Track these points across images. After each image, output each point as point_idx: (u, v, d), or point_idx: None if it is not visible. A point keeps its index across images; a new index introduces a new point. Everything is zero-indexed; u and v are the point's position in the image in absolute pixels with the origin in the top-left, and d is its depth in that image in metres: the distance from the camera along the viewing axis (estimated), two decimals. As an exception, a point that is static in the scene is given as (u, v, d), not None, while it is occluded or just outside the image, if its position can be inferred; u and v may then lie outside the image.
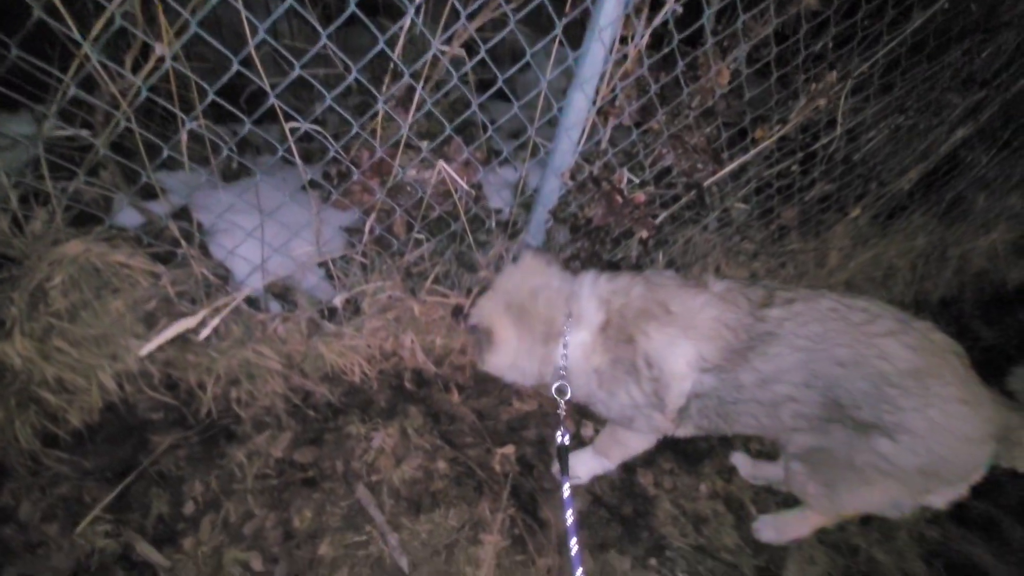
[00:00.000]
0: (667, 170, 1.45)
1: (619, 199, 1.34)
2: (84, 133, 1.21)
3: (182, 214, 1.62)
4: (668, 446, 1.68)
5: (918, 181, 2.25)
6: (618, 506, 1.62)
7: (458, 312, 1.46)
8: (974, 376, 1.19)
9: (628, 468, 1.69)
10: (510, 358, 1.33)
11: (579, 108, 1.28)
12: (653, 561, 1.52)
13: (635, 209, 1.38)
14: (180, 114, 1.11)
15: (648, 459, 1.71)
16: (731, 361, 1.18)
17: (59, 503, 1.25)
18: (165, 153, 1.14)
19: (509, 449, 1.65)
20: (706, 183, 1.46)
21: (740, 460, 1.76)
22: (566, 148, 1.32)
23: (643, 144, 1.41)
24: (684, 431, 1.35)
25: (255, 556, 1.29)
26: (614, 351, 1.23)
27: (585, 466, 1.59)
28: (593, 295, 1.27)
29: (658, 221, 1.56)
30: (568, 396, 1.27)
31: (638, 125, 1.36)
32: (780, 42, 1.34)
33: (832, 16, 1.30)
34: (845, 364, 1.14)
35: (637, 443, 1.51)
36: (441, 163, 1.22)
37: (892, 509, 1.32)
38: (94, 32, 1.02)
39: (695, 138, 1.37)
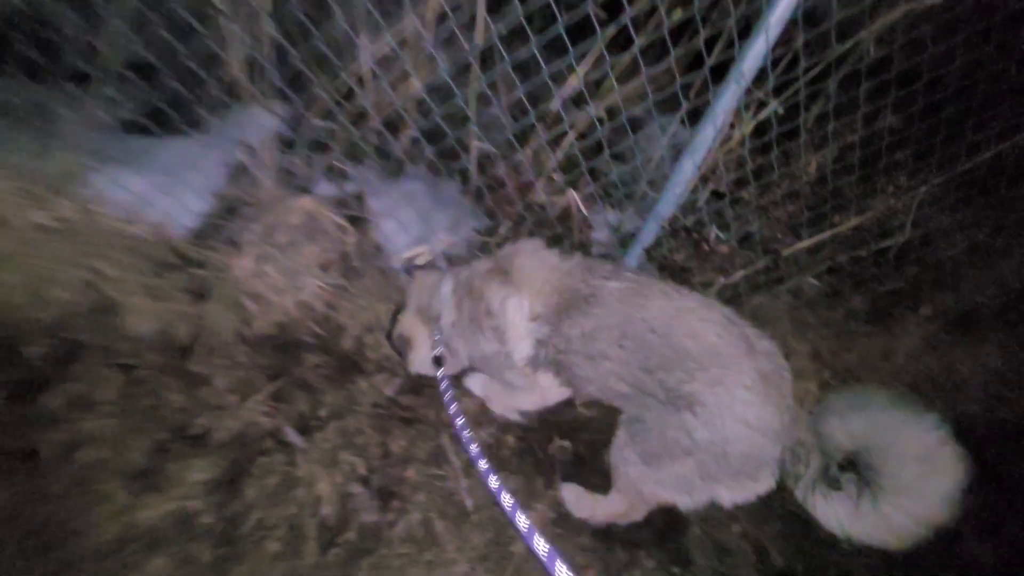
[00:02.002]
0: (749, 235, 1.73)
1: (705, 247, 1.64)
2: (326, 126, 1.72)
3: (359, 197, 2.11)
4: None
5: (1002, 303, 2.33)
6: (653, 518, 1.82)
7: (388, 335, 1.76)
8: (785, 387, 1.28)
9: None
10: (426, 352, 1.61)
11: (686, 171, 1.62)
12: (676, 569, 1.69)
13: (718, 258, 1.67)
14: (391, 138, 1.57)
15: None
16: (558, 315, 1.39)
17: (238, 383, 1.68)
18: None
19: (567, 442, 1.91)
20: (783, 252, 1.72)
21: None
22: (669, 200, 1.65)
23: (733, 209, 1.71)
24: (548, 383, 1.54)
25: (360, 462, 1.63)
26: (465, 309, 1.50)
27: (477, 385, 1.79)
28: (450, 276, 1.58)
29: (735, 278, 1.83)
30: (444, 365, 1.54)
31: (732, 193, 1.67)
32: (865, 147, 1.62)
33: (914, 133, 1.56)
34: (656, 332, 1.28)
35: (523, 398, 1.71)
36: (571, 191, 1.60)
37: (686, 495, 1.39)
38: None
39: (779, 212, 1.66)
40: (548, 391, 1.65)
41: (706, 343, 1.27)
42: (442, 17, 1.40)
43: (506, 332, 1.47)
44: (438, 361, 1.55)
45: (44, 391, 1.51)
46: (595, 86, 1.54)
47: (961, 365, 2.48)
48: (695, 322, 1.30)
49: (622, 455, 1.45)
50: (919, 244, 1.87)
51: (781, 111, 1.45)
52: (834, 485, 1.25)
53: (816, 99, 1.43)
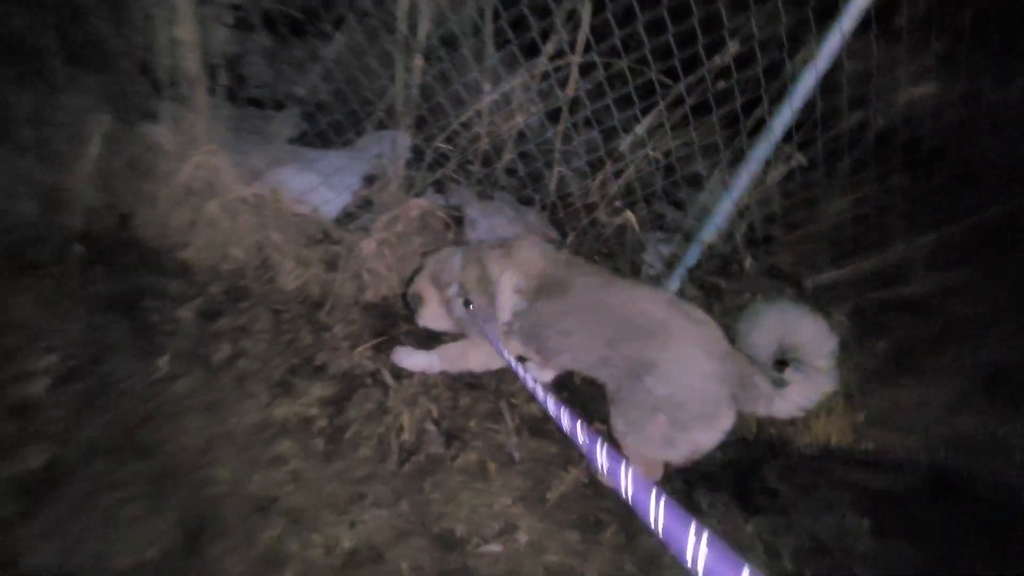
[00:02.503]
0: (777, 266, 2.04)
1: (738, 272, 1.97)
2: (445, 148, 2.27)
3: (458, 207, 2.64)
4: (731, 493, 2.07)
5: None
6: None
7: (403, 295, 2.12)
8: (719, 337, 1.55)
9: (689, 483, 2.11)
10: (434, 311, 1.99)
11: (727, 207, 1.99)
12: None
13: (750, 283, 1.99)
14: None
15: (712, 488, 2.12)
16: (538, 294, 1.72)
17: (351, 334, 2.17)
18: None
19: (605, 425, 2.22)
20: (806, 283, 2.01)
21: None
22: (711, 229, 2.02)
23: (764, 243, 2.04)
24: (516, 350, 1.81)
25: (434, 408, 2.02)
26: (470, 275, 1.83)
27: (414, 359, 2.03)
28: (461, 252, 1.92)
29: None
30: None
31: (763, 227, 2.01)
32: (876, 199, 1.92)
33: (921, 189, 1.85)
34: (615, 312, 1.59)
35: (476, 355, 1.97)
36: (628, 213, 2.01)
37: (671, 449, 1.62)
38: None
39: (803, 248, 1.97)
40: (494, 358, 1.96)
41: (654, 318, 1.58)
42: (544, 75, 1.93)
43: (496, 297, 1.80)
44: (467, 304, 1.86)
45: (220, 317, 2.07)
46: (654, 132, 1.98)
47: (998, 428, 2.53)
48: (645, 304, 1.62)
49: (616, 427, 1.73)
50: (941, 294, 2.07)
51: (804, 163, 1.80)
52: (781, 384, 1.50)
53: (835, 155, 1.77)
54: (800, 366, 1.51)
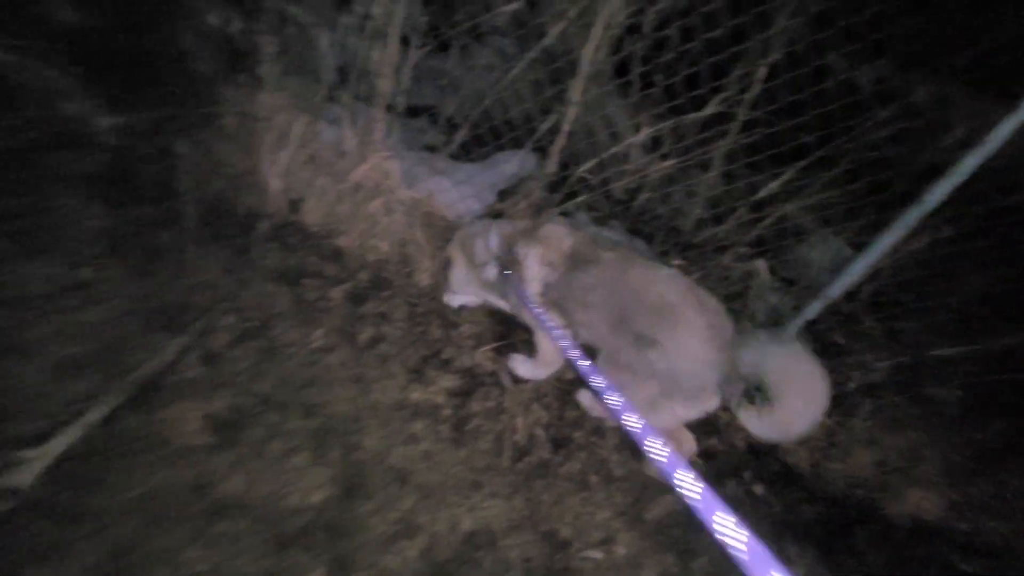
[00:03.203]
0: (900, 331, 2.06)
1: (859, 332, 2.01)
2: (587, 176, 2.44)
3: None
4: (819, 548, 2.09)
5: None
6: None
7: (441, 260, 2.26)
8: (726, 333, 1.68)
9: (779, 532, 2.14)
10: (461, 274, 2.13)
11: (860, 267, 2.03)
12: None
13: (868, 344, 2.02)
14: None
15: (801, 540, 2.14)
16: (566, 269, 1.87)
17: (475, 334, 2.35)
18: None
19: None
20: (929, 354, 2.01)
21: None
22: (837, 288, 2.07)
23: (890, 305, 2.06)
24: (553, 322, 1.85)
25: (544, 415, 2.13)
26: (503, 251, 1.98)
27: (525, 367, 2.16)
28: (496, 228, 2.04)
29: (881, 366, 2.15)
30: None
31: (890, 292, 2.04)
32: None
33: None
34: (632, 291, 1.75)
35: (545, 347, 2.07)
36: (761, 262, 2.10)
37: (652, 413, 1.72)
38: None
39: (933, 319, 1.98)
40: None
41: (667, 301, 1.73)
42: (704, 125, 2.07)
43: (524, 273, 1.96)
44: (502, 269, 2.01)
45: (365, 302, 2.31)
46: (798, 189, 2.08)
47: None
48: (661, 286, 1.77)
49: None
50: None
51: (950, 236, 1.82)
52: (750, 400, 1.65)
53: (983, 233, 1.78)
54: (772, 401, 1.63)
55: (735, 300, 2.17)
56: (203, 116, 2.37)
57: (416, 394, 2.05)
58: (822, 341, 2.14)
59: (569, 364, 1.65)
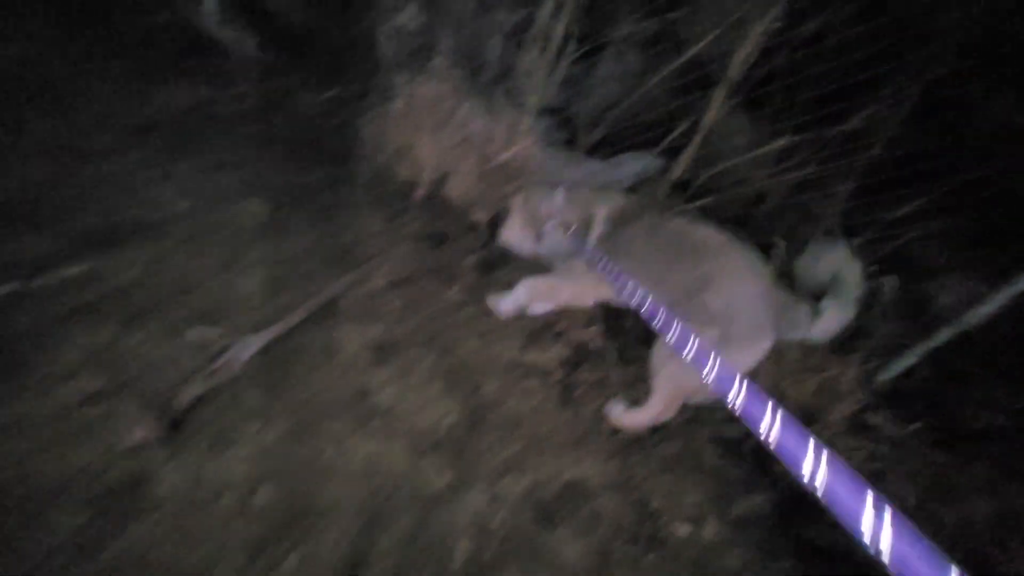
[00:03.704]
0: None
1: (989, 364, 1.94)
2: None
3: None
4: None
5: None
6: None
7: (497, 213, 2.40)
8: (766, 270, 1.75)
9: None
10: (517, 228, 2.28)
11: (994, 303, 1.96)
12: None
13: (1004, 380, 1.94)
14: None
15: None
16: (616, 224, 2.03)
17: (585, 314, 2.55)
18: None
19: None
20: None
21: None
22: (973, 317, 2.01)
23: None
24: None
25: (644, 398, 2.32)
26: (569, 210, 2.15)
27: (507, 304, 2.25)
28: (562, 190, 2.18)
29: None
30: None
31: None
32: None
33: None
34: (676, 237, 1.87)
35: (568, 288, 2.19)
36: (892, 278, 2.09)
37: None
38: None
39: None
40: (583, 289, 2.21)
41: (711, 241, 1.82)
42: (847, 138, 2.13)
43: (592, 223, 2.11)
44: (565, 227, 2.17)
45: (494, 270, 2.59)
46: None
47: None
48: (703, 231, 1.88)
49: (660, 354, 1.94)
50: None
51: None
52: (818, 313, 1.73)
53: None
54: (834, 299, 1.73)
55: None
56: (381, 97, 2.79)
57: (531, 356, 2.28)
58: (949, 370, 2.08)
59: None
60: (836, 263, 1.78)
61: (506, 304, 2.26)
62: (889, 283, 2.10)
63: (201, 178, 2.40)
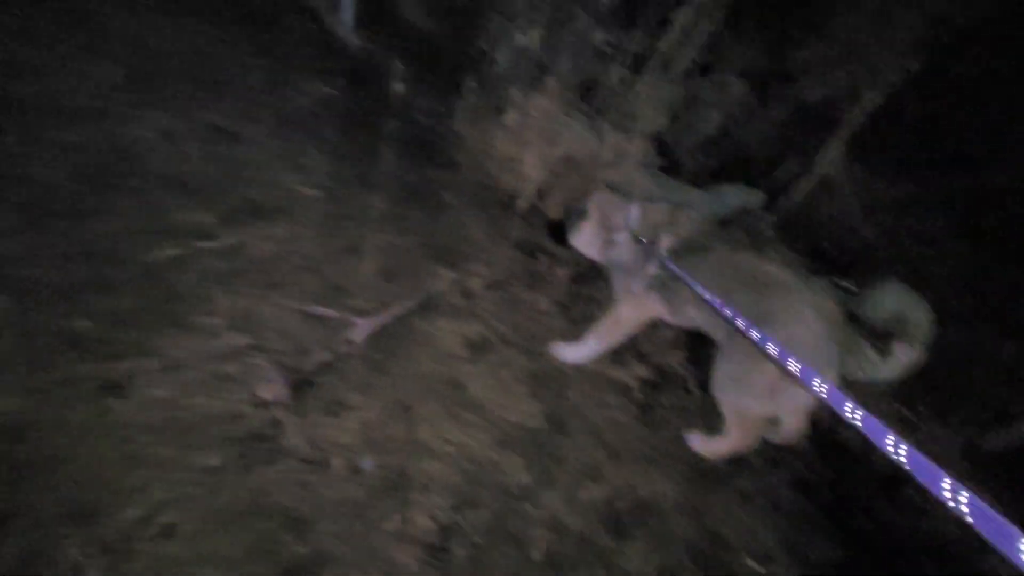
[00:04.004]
0: None
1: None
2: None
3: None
4: None
5: None
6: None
7: (568, 210, 2.43)
8: (832, 307, 1.77)
9: None
10: (589, 233, 2.30)
11: None
12: None
13: None
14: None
15: None
16: (680, 252, 2.03)
17: (670, 339, 2.57)
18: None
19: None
20: None
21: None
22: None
23: None
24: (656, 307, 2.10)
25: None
26: (649, 228, 2.14)
27: (571, 351, 2.25)
28: (637, 205, 2.19)
29: None
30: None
31: None
32: None
33: None
34: (740, 271, 1.87)
35: (626, 313, 2.18)
36: None
37: (771, 401, 1.82)
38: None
39: None
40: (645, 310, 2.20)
41: (775, 278, 1.84)
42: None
43: (659, 245, 2.12)
44: (636, 241, 2.19)
45: (583, 284, 2.67)
46: None
47: None
48: (769, 267, 1.88)
49: (719, 381, 1.95)
50: None
51: None
52: (886, 352, 1.73)
53: None
54: (903, 340, 1.72)
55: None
56: (494, 109, 2.96)
57: (614, 372, 2.34)
58: None
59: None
60: (901, 304, 1.77)
61: (575, 353, 2.26)
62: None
63: (328, 168, 2.65)
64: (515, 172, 2.90)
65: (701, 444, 2.13)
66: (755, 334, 1.34)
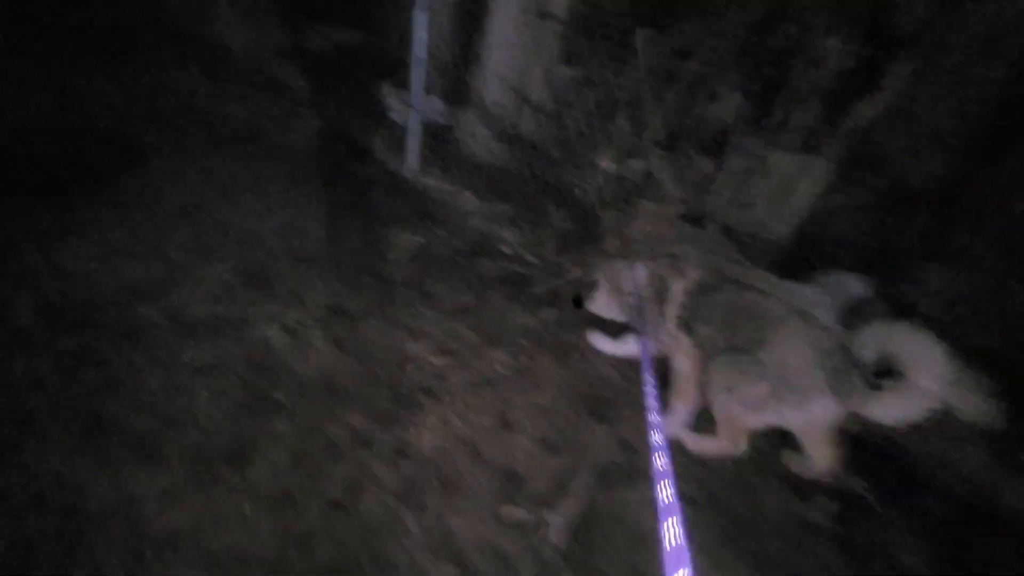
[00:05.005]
0: None
1: None
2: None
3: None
4: None
5: None
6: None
7: (579, 281, 2.59)
8: (825, 336, 1.87)
9: None
10: (603, 301, 2.49)
11: None
12: None
13: None
14: None
15: None
16: (696, 295, 2.18)
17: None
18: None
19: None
20: None
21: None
22: None
23: None
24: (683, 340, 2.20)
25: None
26: (652, 283, 2.33)
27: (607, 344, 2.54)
28: (643, 265, 2.38)
29: None
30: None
31: None
32: None
33: None
34: (746, 308, 2.04)
35: (679, 362, 2.23)
36: None
37: (759, 414, 1.96)
38: None
39: None
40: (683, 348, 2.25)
41: (773, 313, 1.99)
42: None
43: (669, 300, 2.26)
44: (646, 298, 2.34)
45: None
46: None
47: None
48: (770, 303, 2.03)
49: (714, 385, 2.07)
50: None
51: None
52: (876, 387, 1.70)
53: None
54: (900, 379, 1.66)
55: None
56: (591, 238, 2.94)
57: (803, 511, 2.16)
58: None
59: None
60: (890, 345, 1.72)
61: (608, 345, 2.57)
62: None
63: (445, 328, 2.57)
64: (576, 208, 2.83)
65: (692, 441, 2.21)
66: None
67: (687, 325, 2.22)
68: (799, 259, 3.10)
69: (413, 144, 3.53)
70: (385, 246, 3.02)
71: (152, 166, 3.27)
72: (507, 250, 3.16)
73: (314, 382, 2.14)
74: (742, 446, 2.13)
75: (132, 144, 3.46)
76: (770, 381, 1.92)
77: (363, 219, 3.20)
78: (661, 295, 2.28)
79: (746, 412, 2.04)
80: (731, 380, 2.03)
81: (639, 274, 2.40)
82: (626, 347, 2.53)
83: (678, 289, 2.26)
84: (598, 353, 2.58)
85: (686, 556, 0.95)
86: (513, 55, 3.16)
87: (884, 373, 1.74)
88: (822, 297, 2.89)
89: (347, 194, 3.39)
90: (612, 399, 2.45)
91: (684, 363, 2.24)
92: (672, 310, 2.25)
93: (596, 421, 2.31)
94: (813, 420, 1.96)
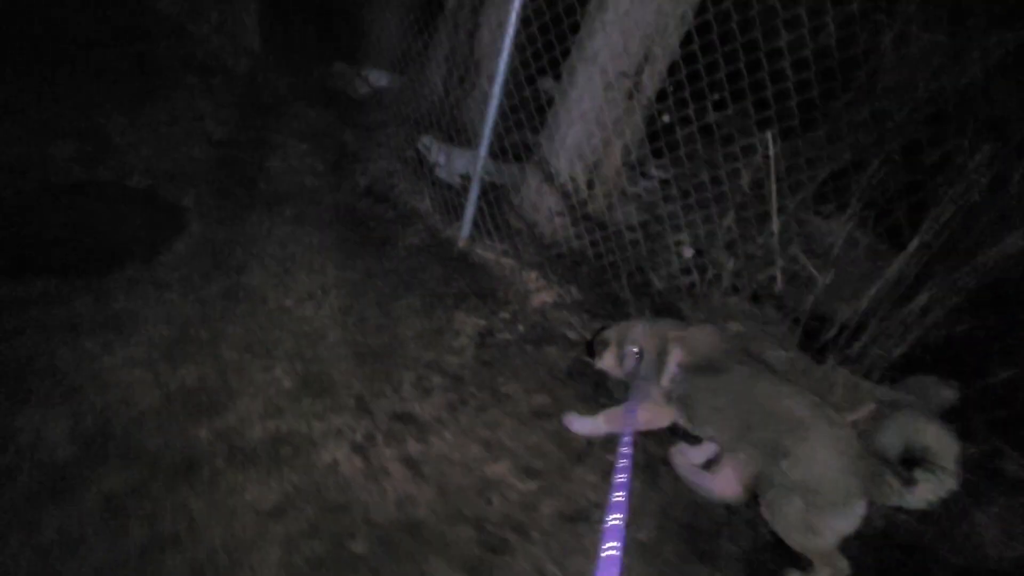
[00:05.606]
0: None
1: None
2: None
3: None
4: None
5: None
6: None
7: (591, 339, 2.46)
8: (851, 439, 1.77)
9: None
10: (610, 358, 2.33)
11: None
12: None
13: None
14: None
15: None
16: (696, 371, 2.04)
17: None
18: None
19: None
20: None
21: None
22: None
23: None
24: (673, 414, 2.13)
25: None
26: (649, 345, 2.18)
27: (583, 424, 2.36)
28: (646, 325, 2.28)
29: None
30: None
31: None
32: None
33: None
34: (759, 402, 1.90)
35: (642, 415, 2.11)
36: None
37: (815, 535, 1.78)
38: None
39: None
40: (660, 416, 2.18)
41: (793, 415, 1.84)
42: None
43: (662, 367, 2.13)
44: (640, 358, 2.23)
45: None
46: None
47: None
48: (788, 401, 1.87)
49: (764, 513, 1.92)
50: None
51: None
52: (911, 482, 1.66)
53: None
54: (928, 467, 1.66)
55: None
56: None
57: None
58: None
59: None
60: (916, 436, 1.72)
61: (582, 425, 2.37)
62: None
63: (528, 442, 2.33)
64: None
65: (705, 480, 2.18)
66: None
67: (681, 400, 2.11)
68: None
69: (470, 211, 3.31)
70: (449, 333, 2.78)
71: (192, 234, 3.02)
72: (573, 336, 2.93)
73: (393, 524, 1.88)
74: (838, 564, 1.90)
75: (168, 206, 3.21)
76: (801, 495, 1.81)
77: (421, 299, 2.96)
78: (661, 359, 2.17)
79: (803, 535, 1.86)
80: (769, 500, 1.90)
81: (637, 330, 2.30)
82: (601, 425, 2.34)
83: (672, 357, 2.14)
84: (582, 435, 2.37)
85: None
86: (590, 130, 2.96)
87: (909, 462, 1.76)
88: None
89: (401, 267, 3.15)
90: (713, 533, 2.21)
91: (644, 416, 2.16)
92: (665, 379, 2.14)
93: (698, 561, 2.06)
94: (853, 525, 1.83)
